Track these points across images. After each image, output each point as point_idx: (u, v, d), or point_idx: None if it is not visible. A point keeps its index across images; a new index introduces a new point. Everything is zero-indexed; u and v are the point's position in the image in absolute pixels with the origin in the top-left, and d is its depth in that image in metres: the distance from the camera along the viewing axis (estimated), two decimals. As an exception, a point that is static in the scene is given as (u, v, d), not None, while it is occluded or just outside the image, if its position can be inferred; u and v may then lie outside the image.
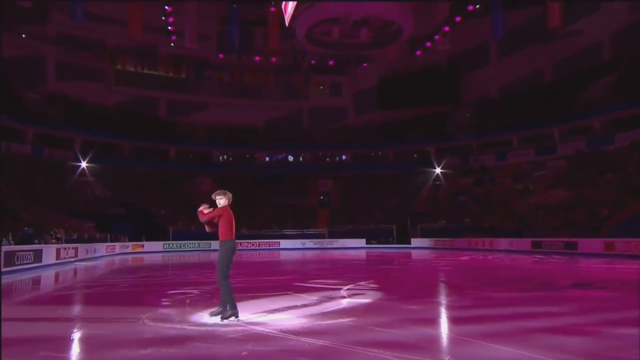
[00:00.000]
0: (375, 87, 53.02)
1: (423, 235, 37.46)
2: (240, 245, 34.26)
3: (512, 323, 6.63)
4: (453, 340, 5.85)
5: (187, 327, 6.34)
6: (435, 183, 45.08)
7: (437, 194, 43.99)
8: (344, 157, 53.24)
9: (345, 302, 8.47)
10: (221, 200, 6.50)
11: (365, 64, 50.77)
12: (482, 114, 46.67)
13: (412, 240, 37.50)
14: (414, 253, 30.19)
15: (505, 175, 41.29)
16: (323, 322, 6.56)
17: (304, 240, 39.27)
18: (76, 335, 6.10)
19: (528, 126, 42.08)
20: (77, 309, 8.57)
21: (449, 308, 8.19)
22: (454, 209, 39.83)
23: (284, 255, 30.51)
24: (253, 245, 37.56)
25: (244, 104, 52.35)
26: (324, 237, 40.64)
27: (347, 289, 10.17)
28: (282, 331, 6.01)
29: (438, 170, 45.14)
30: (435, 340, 5.88)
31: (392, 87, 51.27)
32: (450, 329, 6.46)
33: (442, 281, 12.82)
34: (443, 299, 9.32)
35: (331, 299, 8.86)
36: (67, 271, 17.58)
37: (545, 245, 26.70)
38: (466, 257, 23.52)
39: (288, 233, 40.74)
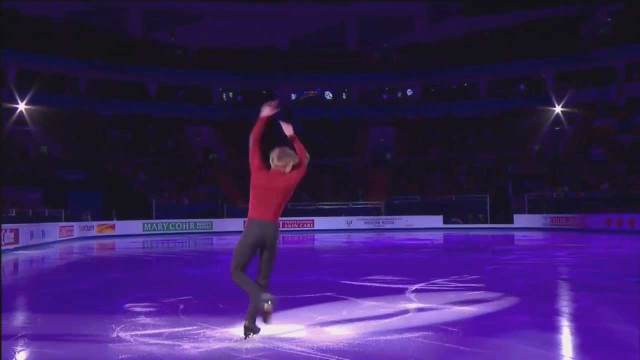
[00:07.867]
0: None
1: (533, 210, 37.35)
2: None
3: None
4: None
5: (181, 344, 6.45)
6: (553, 128, 44.41)
7: (556, 146, 43.23)
8: (410, 91, 52.55)
9: (413, 309, 8.55)
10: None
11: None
12: (633, 17, 45.10)
13: (516, 217, 37.59)
14: (519, 236, 29.87)
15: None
16: (381, 339, 6.58)
17: (349, 218, 39.47)
18: (19, 358, 6.28)
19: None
20: (19, 320, 8.78)
21: (575, 319, 8.14)
22: (584, 168, 39.19)
23: (320, 239, 30.64)
24: (274, 225, 37.92)
25: (257, 11, 52.03)
26: (379, 214, 40.69)
27: (416, 290, 10.25)
28: (320, 350, 6.05)
29: (558, 108, 44.29)
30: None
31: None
32: (580, 353, 6.38)
33: (563, 279, 12.76)
34: (566, 307, 9.29)
35: (393, 304, 8.92)
36: (3, 264, 18.12)
37: None
38: (604, 244, 23.03)
39: (326, 208, 41.01)
